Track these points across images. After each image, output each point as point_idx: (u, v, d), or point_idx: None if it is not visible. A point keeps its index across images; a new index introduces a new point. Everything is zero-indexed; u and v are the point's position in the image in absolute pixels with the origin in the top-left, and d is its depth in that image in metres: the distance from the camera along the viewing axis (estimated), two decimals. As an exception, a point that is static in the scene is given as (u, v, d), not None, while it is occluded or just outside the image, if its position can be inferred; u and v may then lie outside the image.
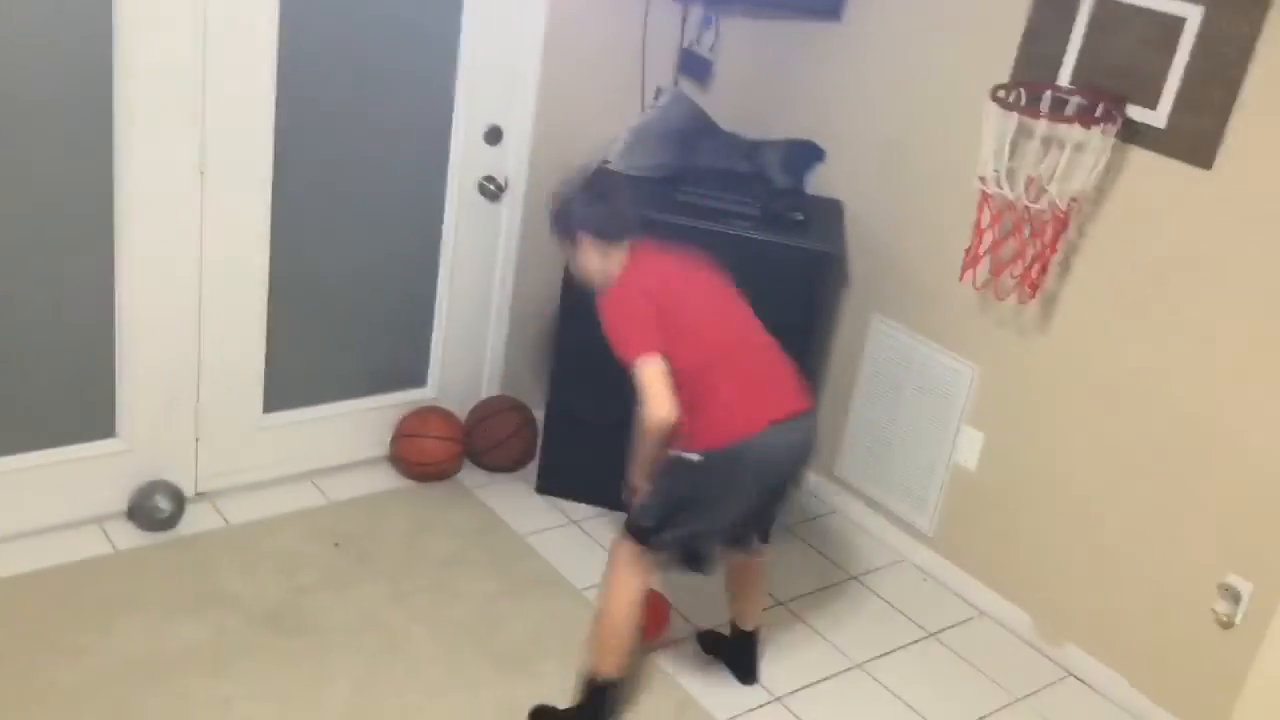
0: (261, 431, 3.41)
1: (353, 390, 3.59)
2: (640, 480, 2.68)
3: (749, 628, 2.99)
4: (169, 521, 3.20)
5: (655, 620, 2.96)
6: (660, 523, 2.63)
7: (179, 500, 3.22)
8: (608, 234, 2.60)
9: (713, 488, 2.60)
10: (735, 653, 3.03)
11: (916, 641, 3.29)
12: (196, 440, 3.29)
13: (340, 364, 3.56)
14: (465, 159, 3.49)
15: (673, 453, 2.60)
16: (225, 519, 3.29)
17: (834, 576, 3.50)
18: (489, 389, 3.83)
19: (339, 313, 3.47)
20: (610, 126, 3.61)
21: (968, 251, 3.16)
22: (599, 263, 2.61)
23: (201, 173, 3.00)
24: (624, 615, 2.64)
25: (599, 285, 2.63)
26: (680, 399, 2.51)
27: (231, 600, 2.99)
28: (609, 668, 2.67)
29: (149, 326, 3.08)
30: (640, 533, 2.64)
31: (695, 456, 2.57)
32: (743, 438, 2.56)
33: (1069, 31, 3.02)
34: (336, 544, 3.26)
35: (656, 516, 2.63)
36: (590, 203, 2.64)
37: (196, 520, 3.26)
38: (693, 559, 2.70)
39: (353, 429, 3.60)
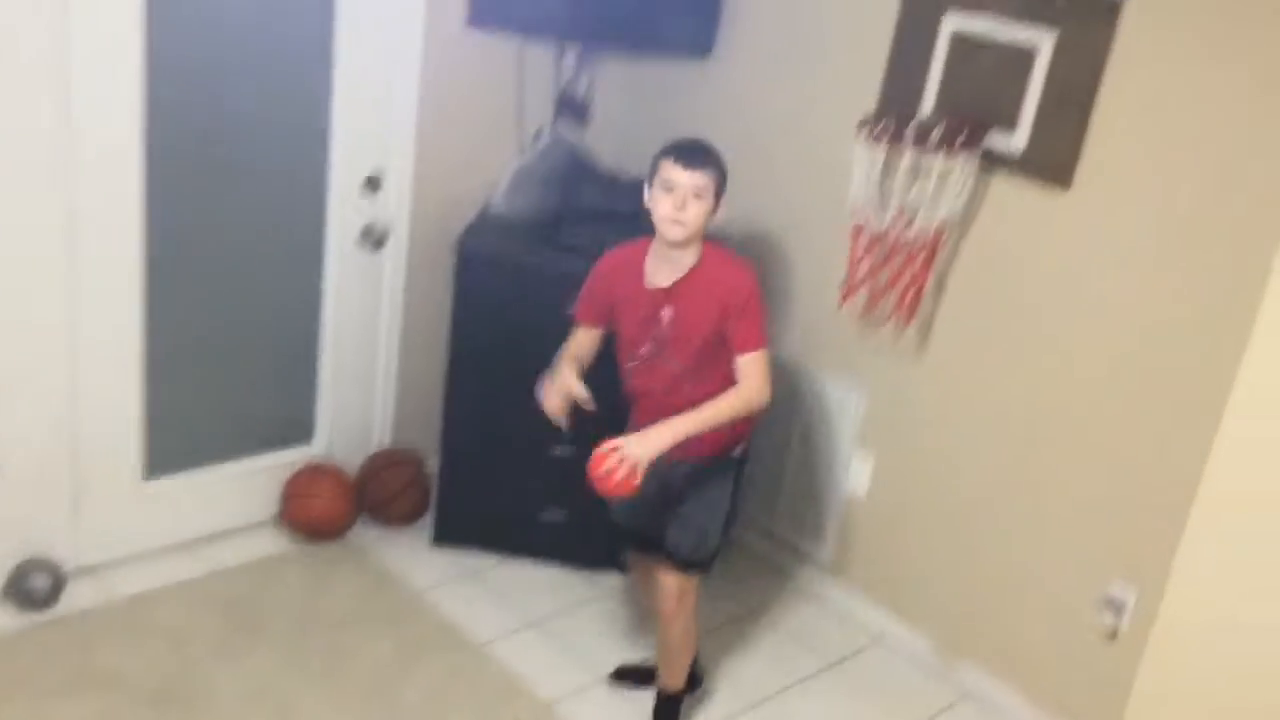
0: (142, 499, 3.31)
1: (238, 451, 3.50)
2: (657, 442, 2.52)
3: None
4: (47, 600, 3.08)
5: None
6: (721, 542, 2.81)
7: (57, 576, 3.10)
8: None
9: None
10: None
11: (819, 672, 3.30)
12: (73, 512, 3.18)
13: (223, 424, 3.48)
14: (344, 209, 3.45)
15: (733, 456, 2.76)
16: (107, 593, 3.19)
17: (733, 610, 3.50)
18: (380, 441, 3.77)
19: (220, 372, 3.40)
20: (490, 170, 3.60)
21: (845, 281, 3.20)
22: (707, 220, 2.59)
23: (67, 232, 2.91)
24: (694, 636, 2.92)
25: (689, 239, 2.58)
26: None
27: (115, 679, 2.88)
28: (681, 680, 2.96)
29: (16, 394, 2.97)
30: (708, 563, 2.82)
31: (739, 452, 2.78)
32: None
33: (929, 63, 3.09)
34: (226, 613, 3.17)
35: (720, 537, 2.80)
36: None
37: (77, 596, 3.14)
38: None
39: (239, 491, 3.51)
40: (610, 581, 3.51)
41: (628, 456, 2.47)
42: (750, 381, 2.57)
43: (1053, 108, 2.89)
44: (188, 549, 3.40)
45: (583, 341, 2.79)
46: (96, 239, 2.98)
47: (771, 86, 3.54)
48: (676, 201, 2.51)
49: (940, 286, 3.18)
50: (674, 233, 2.54)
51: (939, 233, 3.03)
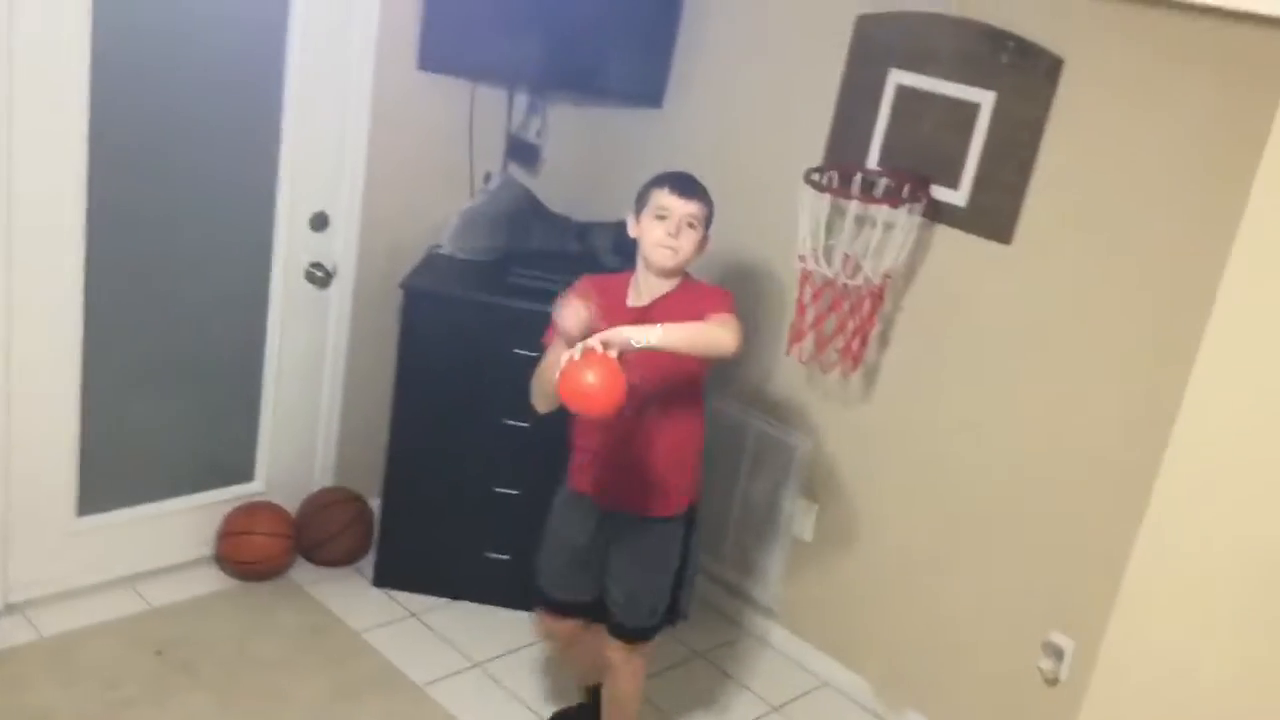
0: (75, 536, 3.24)
1: (175, 488, 3.45)
2: (648, 334, 2.32)
3: None
4: (-27, 638, 3.01)
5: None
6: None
7: (-15, 614, 3.03)
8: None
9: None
10: None
11: (762, 716, 3.30)
12: (3, 548, 3.10)
13: (161, 461, 3.42)
14: (291, 246, 3.43)
15: (680, 513, 2.70)
16: (38, 631, 3.11)
17: (677, 654, 3.49)
18: (321, 480, 3.73)
19: (159, 407, 3.35)
20: (440, 211, 3.61)
21: (792, 327, 3.25)
22: (696, 253, 2.63)
23: (3, 264, 2.87)
24: (642, 682, 2.89)
25: (678, 268, 2.61)
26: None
27: (44, 718, 2.80)
28: None
29: (-53, 431, 2.92)
30: (658, 628, 2.77)
31: (688, 507, 2.75)
32: None
33: (875, 117, 3.17)
34: (159, 652, 3.11)
35: (672, 594, 2.75)
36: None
37: (6, 634, 3.06)
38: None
39: (176, 529, 3.45)
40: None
41: (612, 341, 2.23)
42: (727, 324, 2.47)
43: (994, 164, 2.97)
44: (122, 586, 3.33)
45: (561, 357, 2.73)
46: (34, 271, 2.94)
47: (721, 135, 3.59)
48: (670, 228, 2.55)
49: (885, 335, 3.23)
50: (665, 258, 2.56)
51: (884, 282, 3.08)
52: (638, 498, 2.65)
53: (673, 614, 2.79)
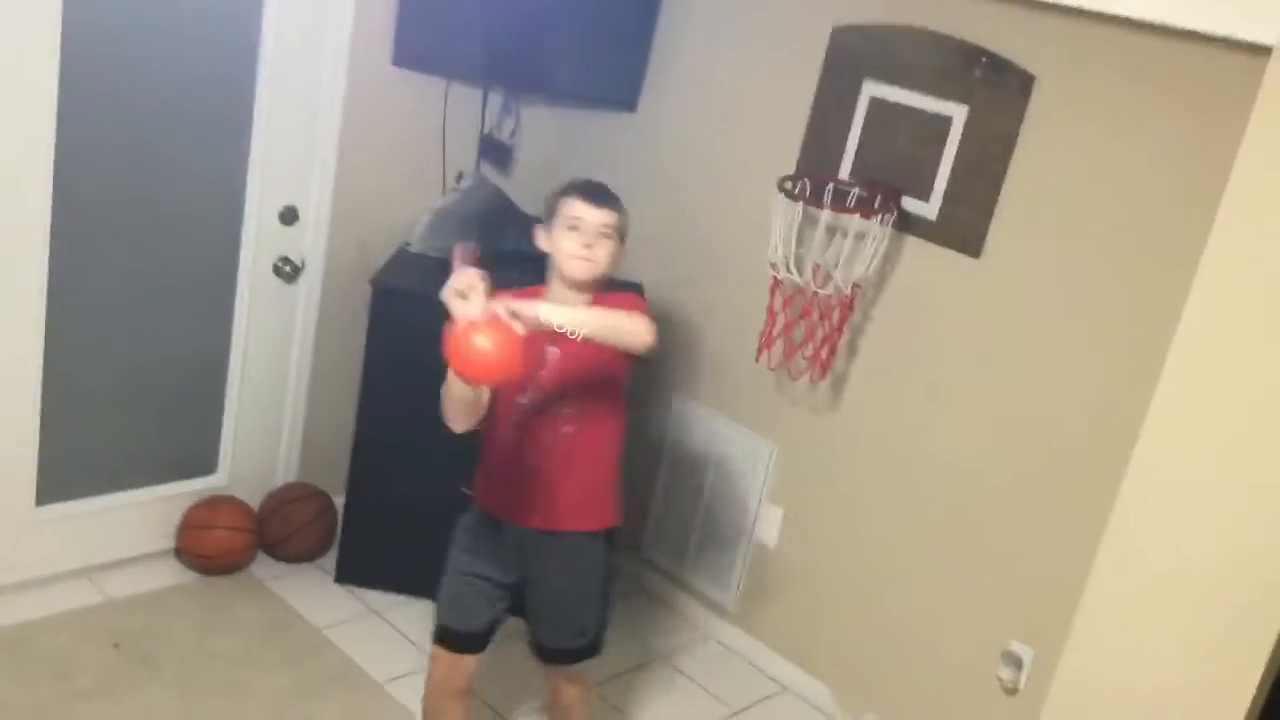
0: (33, 525, 3.20)
1: (136, 480, 3.41)
2: (557, 315, 2.22)
3: None
4: (-74, 627, 2.96)
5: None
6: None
7: (-62, 604, 2.98)
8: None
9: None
10: None
11: None
12: (-41, 538, 3.07)
13: (123, 452, 3.39)
14: (259, 239, 3.41)
15: (600, 533, 2.57)
16: (-8, 621, 3.07)
17: (640, 656, 3.51)
18: (285, 476, 3.71)
19: (122, 398, 3.32)
20: (410, 208, 3.60)
21: (762, 334, 3.27)
22: (612, 264, 2.48)
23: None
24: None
25: (595, 281, 2.45)
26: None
27: (-4, 711, 2.78)
28: None
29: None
30: (596, 650, 2.66)
31: (609, 528, 2.60)
32: None
33: (848, 127, 3.20)
34: (116, 645, 3.07)
35: (603, 617, 2.64)
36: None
37: (-41, 623, 3.03)
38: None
39: (136, 521, 3.42)
40: (515, 625, 3.48)
41: (522, 314, 2.11)
42: (640, 315, 2.35)
43: (965, 178, 3.00)
44: (80, 577, 3.29)
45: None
46: None
47: (694, 140, 3.61)
48: (584, 239, 2.41)
49: (854, 344, 3.26)
50: (581, 270, 2.41)
51: (854, 291, 3.11)
52: (552, 508, 2.49)
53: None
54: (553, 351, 2.46)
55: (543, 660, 2.67)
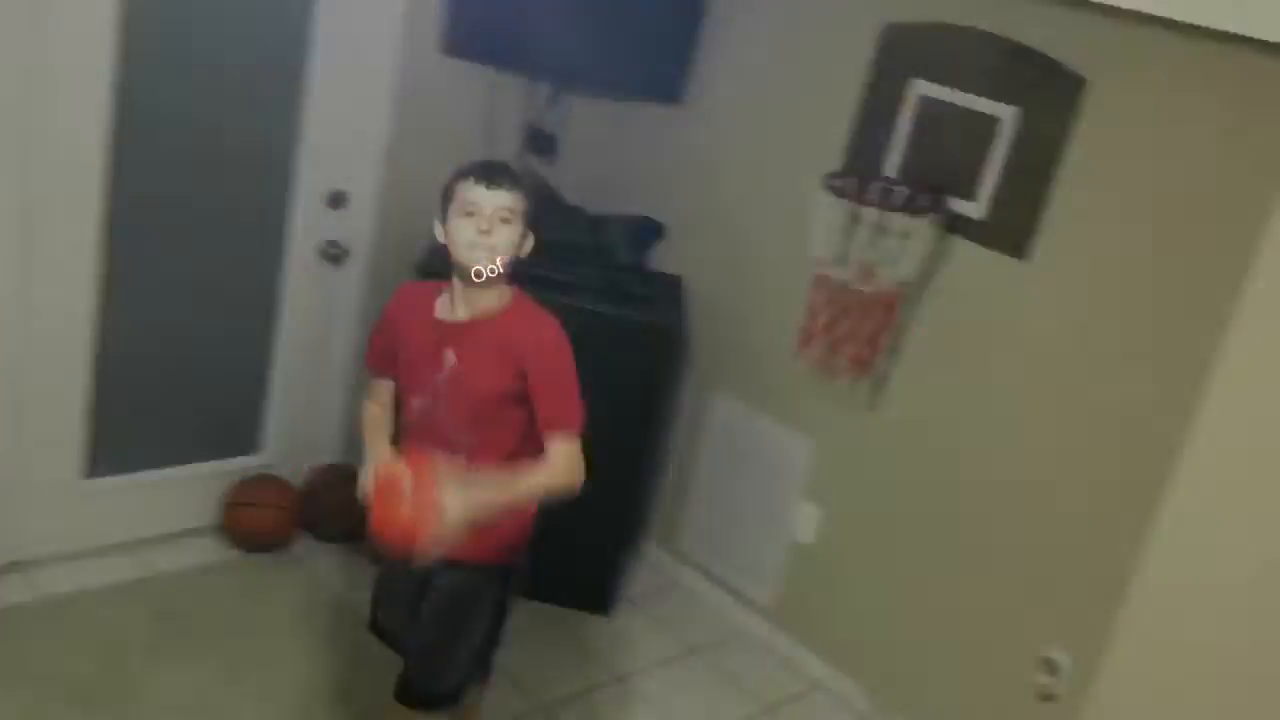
0: (82, 498, 3.26)
1: (183, 456, 3.47)
2: (475, 504, 2.11)
3: None
4: (-25, 594, 3.03)
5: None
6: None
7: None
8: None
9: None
10: None
11: (752, 716, 3.32)
12: (9, 506, 3.12)
13: (170, 428, 3.44)
14: (307, 223, 3.45)
15: (504, 565, 2.37)
16: (41, 590, 3.13)
17: (673, 650, 3.52)
18: (328, 456, 3.75)
19: (171, 375, 3.37)
20: (457, 196, 3.62)
21: (803, 330, 3.27)
22: (515, 250, 2.25)
23: (23, 222, 2.89)
24: None
25: (496, 272, 2.22)
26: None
27: (44, 678, 2.83)
28: None
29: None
30: (446, 702, 2.43)
31: (514, 561, 2.39)
32: None
33: (895, 125, 3.19)
34: (159, 618, 3.13)
35: (470, 667, 2.44)
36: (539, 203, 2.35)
37: (6, 593, 3.08)
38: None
39: (182, 496, 3.47)
40: (549, 611, 3.51)
41: (438, 508, 2.04)
42: (561, 464, 2.19)
43: (1013, 179, 2.99)
44: (125, 551, 3.36)
45: (383, 395, 2.47)
46: (53, 230, 2.96)
47: (740, 134, 3.61)
48: (481, 225, 2.18)
49: (896, 343, 3.26)
50: (480, 259, 2.18)
51: (898, 290, 3.10)
52: (462, 544, 2.17)
53: (456, 693, 2.45)
54: (449, 355, 2.27)
55: (398, 695, 2.46)
